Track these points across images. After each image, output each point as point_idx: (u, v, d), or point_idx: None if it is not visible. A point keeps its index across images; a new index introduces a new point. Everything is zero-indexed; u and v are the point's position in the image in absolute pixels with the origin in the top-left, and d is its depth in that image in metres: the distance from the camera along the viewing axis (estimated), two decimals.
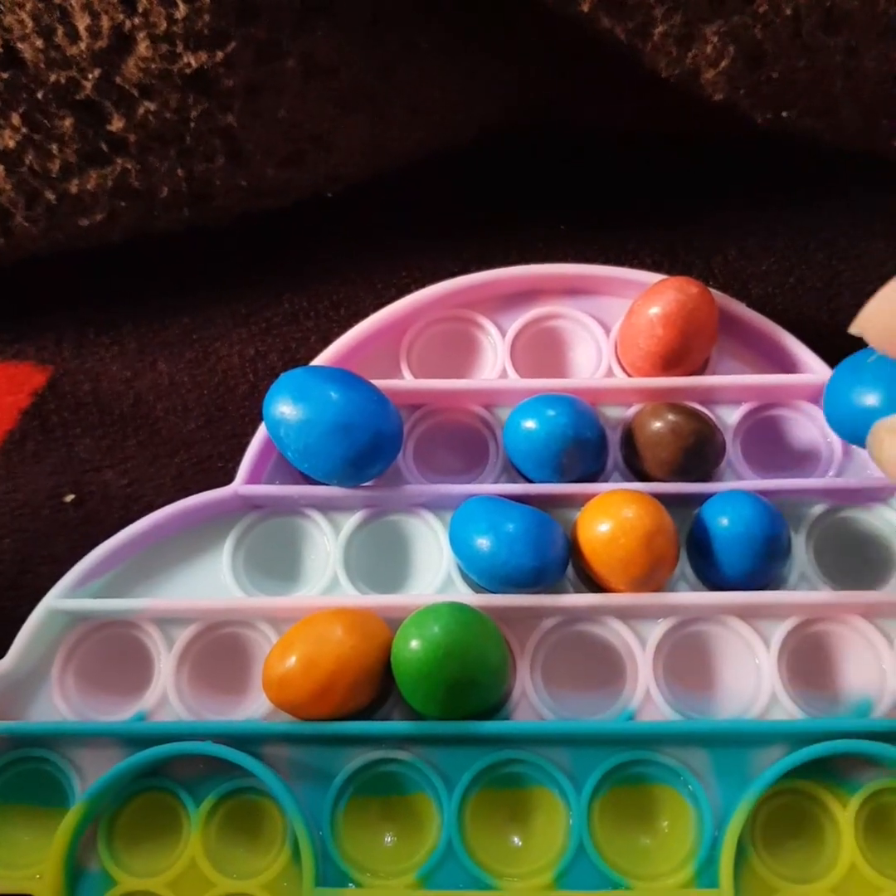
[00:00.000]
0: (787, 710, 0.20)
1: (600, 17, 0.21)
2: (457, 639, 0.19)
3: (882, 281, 0.25)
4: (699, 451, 0.21)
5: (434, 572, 0.22)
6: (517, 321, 0.23)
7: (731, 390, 0.23)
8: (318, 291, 0.25)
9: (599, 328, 0.23)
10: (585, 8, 0.21)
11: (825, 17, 0.23)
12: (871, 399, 0.19)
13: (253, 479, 0.22)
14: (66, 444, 0.24)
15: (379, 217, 0.26)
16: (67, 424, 0.24)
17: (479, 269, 0.24)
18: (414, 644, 0.19)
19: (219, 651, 0.21)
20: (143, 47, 0.21)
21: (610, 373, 0.23)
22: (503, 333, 0.23)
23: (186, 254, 0.25)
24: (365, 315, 0.23)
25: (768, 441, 0.23)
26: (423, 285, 0.24)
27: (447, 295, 0.23)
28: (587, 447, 0.21)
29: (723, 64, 0.23)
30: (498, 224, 0.26)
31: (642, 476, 0.22)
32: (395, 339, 0.23)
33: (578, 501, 0.21)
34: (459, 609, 0.19)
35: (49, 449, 0.24)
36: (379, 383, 0.22)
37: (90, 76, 0.22)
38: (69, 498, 0.23)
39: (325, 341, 0.23)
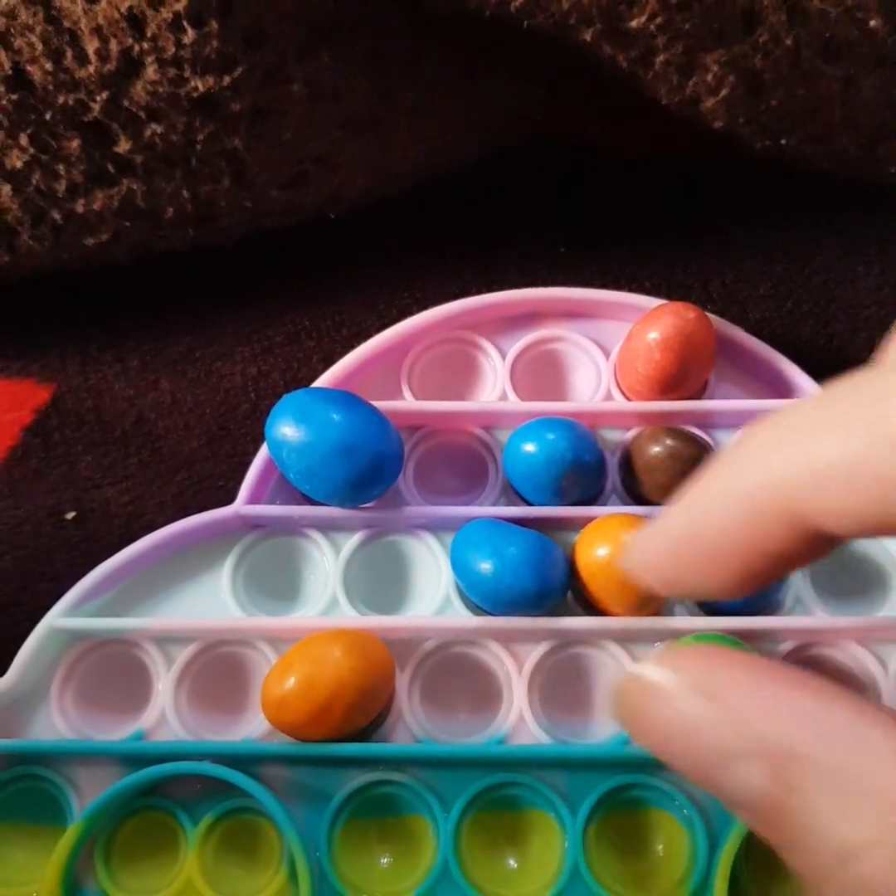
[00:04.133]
0: None
1: (602, 46, 0.21)
2: None
3: (878, 306, 0.26)
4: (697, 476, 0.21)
5: (433, 593, 0.22)
6: (517, 344, 0.24)
7: (728, 415, 0.23)
8: (321, 312, 0.25)
9: (599, 351, 0.24)
10: (588, 37, 0.21)
11: (824, 47, 0.23)
12: None
13: (254, 498, 0.22)
14: (68, 461, 0.24)
15: (381, 239, 0.26)
16: (69, 442, 0.24)
17: (479, 291, 0.24)
18: None
19: (218, 671, 0.22)
20: (151, 71, 0.22)
21: (609, 396, 0.23)
22: (503, 356, 0.24)
23: (190, 273, 0.25)
24: (367, 336, 0.23)
25: None
26: (424, 307, 0.24)
27: (448, 317, 0.24)
28: (586, 470, 0.22)
29: (723, 92, 0.23)
30: (499, 246, 0.26)
31: (640, 500, 0.22)
32: (396, 361, 0.24)
33: (577, 524, 0.22)
34: None
35: (51, 466, 0.24)
36: (380, 405, 0.22)
37: (98, 98, 0.22)
38: (70, 515, 0.24)
39: (328, 361, 0.24)
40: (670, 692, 0.10)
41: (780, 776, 0.09)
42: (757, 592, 0.21)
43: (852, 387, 0.11)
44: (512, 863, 0.20)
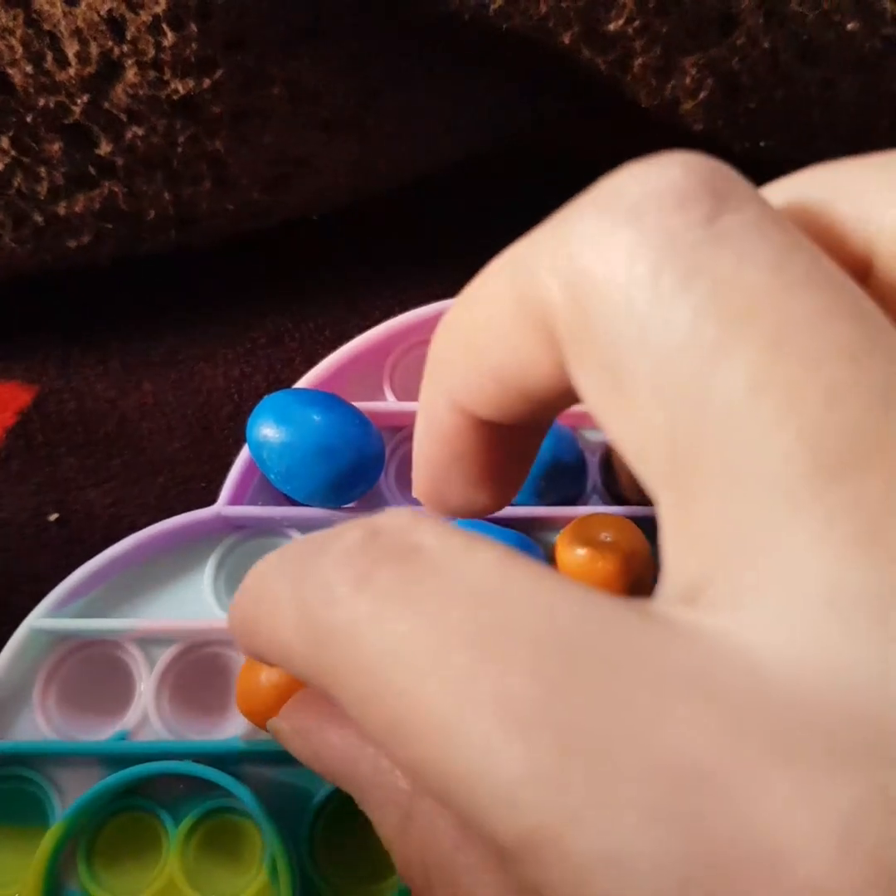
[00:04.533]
0: None
1: (581, 49, 0.22)
2: None
3: None
4: None
5: None
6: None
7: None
8: (303, 313, 0.25)
9: None
10: (566, 40, 0.21)
11: (802, 50, 0.23)
12: None
13: (236, 499, 0.22)
14: (51, 463, 0.24)
15: (364, 240, 0.26)
16: (52, 443, 0.24)
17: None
18: None
19: (200, 671, 0.22)
20: (131, 74, 0.22)
21: None
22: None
23: (173, 275, 0.25)
24: (349, 337, 0.24)
25: None
26: (407, 308, 0.24)
27: (430, 318, 0.24)
28: (565, 471, 0.22)
29: (701, 95, 0.23)
30: (483, 247, 0.26)
31: (621, 500, 0.22)
32: (378, 362, 0.24)
33: (557, 524, 0.22)
34: None
35: (33, 468, 0.24)
36: (362, 405, 0.22)
37: (79, 101, 0.22)
38: (53, 517, 0.24)
39: (310, 363, 0.24)
40: (290, 739, 0.15)
41: (355, 797, 0.14)
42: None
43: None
44: None
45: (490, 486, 0.14)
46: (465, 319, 0.12)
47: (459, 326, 0.12)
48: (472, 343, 0.11)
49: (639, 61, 0.22)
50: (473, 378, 0.12)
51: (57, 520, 0.24)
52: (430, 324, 0.24)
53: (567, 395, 0.11)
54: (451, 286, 0.26)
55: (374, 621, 0.09)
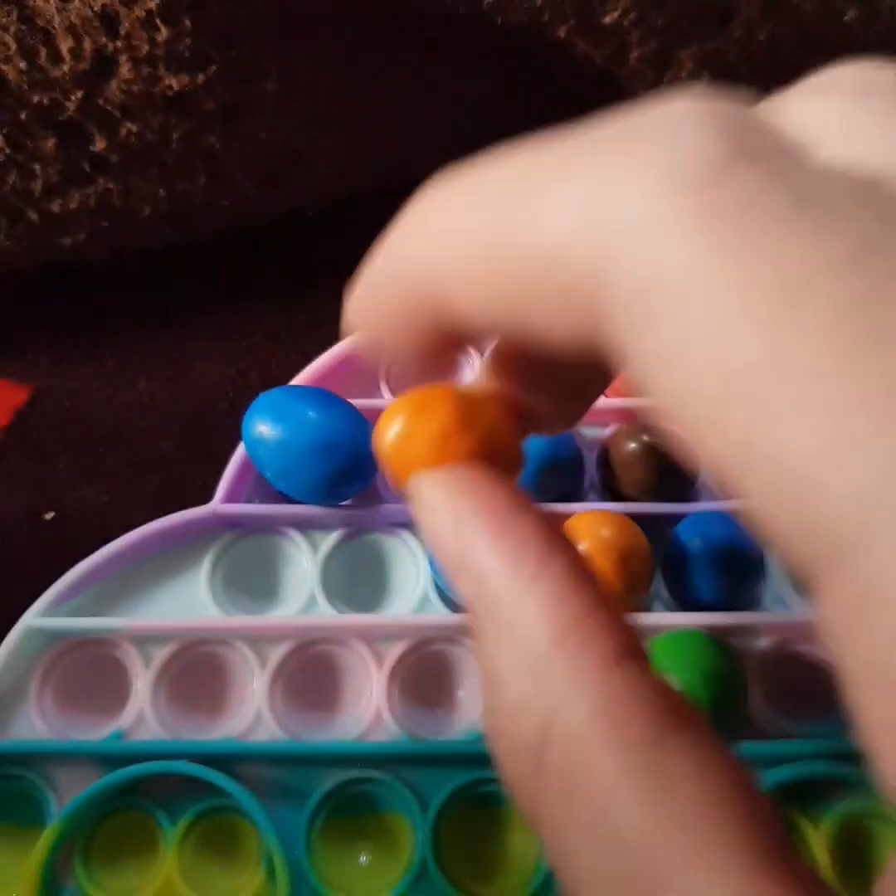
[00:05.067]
0: (761, 730, 0.20)
1: (576, 42, 0.21)
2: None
3: None
4: (674, 472, 0.21)
5: (411, 591, 0.22)
6: (496, 342, 0.24)
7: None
8: (299, 310, 0.25)
9: None
10: (562, 33, 0.21)
11: (800, 41, 0.23)
12: None
13: (231, 497, 0.22)
14: (46, 461, 0.24)
15: (360, 235, 0.26)
16: (47, 442, 0.24)
17: None
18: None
19: (196, 670, 0.21)
20: (125, 70, 0.22)
21: None
22: (481, 353, 0.24)
23: (168, 272, 0.25)
24: (344, 334, 0.23)
25: None
26: None
27: None
28: (564, 467, 0.22)
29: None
30: None
31: (618, 496, 0.22)
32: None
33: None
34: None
35: (29, 466, 0.24)
36: (358, 402, 0.22)
37: (73, 98, 0.22)
38: (49, 515, 0.24)
39: (305, 360, 0.24)
40: (435, 506, 0.11)
41: (471, 601, 0.10)
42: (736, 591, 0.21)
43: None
44: (491, 859, 0.20)
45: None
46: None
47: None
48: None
49: (635, 54, 0.22)
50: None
51: (53, 518, 0.24)
52: None
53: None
54: None
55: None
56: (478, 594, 0.10)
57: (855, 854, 0.20)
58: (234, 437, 0.24)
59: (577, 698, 0.09)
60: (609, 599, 0.10)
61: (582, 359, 0.09)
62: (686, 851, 0.08)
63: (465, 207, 0.09)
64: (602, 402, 0.23)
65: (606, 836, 0.09)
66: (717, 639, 0.20)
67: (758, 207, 0.08)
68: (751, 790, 0.09)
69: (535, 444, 0.21)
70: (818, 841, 0.20)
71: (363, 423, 0.21)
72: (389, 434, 0.12)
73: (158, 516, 0.22)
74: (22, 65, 0.22)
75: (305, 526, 0.22)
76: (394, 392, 0.23)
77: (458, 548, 0.10)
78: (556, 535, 0.11)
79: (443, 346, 0.11)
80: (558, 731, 0.09)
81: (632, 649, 0.09)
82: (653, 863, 0.08)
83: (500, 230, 0.09)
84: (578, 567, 0.10)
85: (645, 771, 0.08)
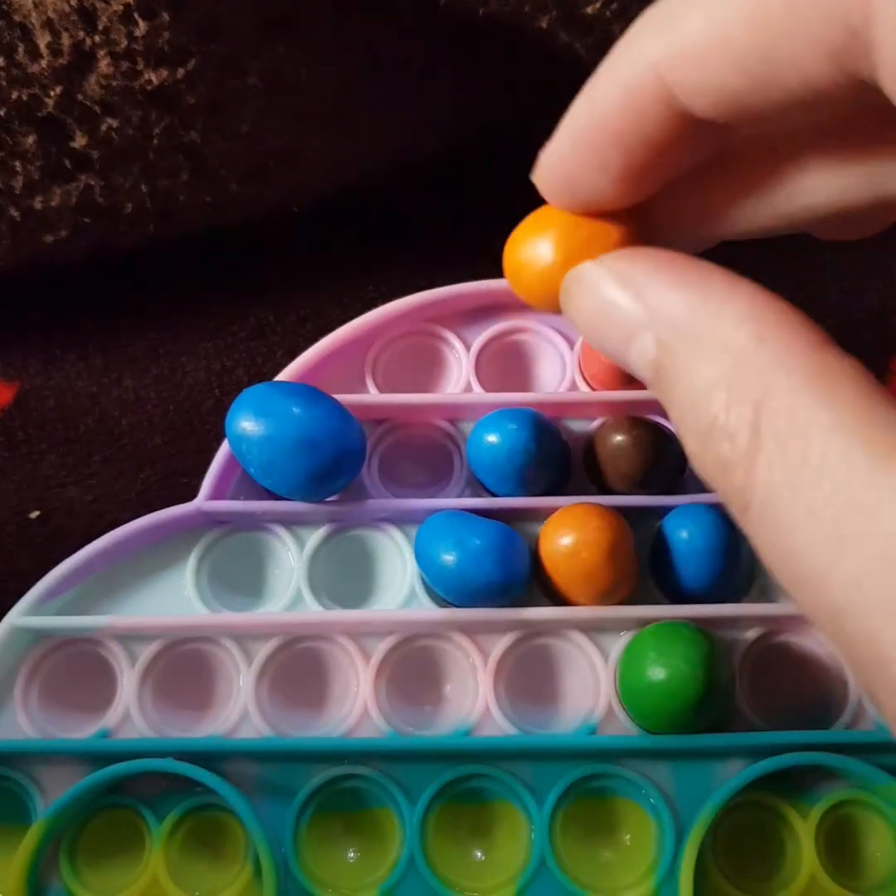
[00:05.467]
0: (748, 721, 0.20)
1: (559, 33, 0.21)
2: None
3: (844, 294, 0.25)
4: (660, 464, 0.21)
5: (398, 586, 0.22)
6: (482, 335, 0.24)
7: None
8: (285, 306, 0.25)
9: (563, 342, 0.23)
10: (544, 24, 0.21)
11: None
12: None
13: (217, 494, 0.22)
14: (32, 460, 0.24)
15: (345, 232, 0.26)
16: (33, 440, 0.24)
17: (445, 283, 0.24)
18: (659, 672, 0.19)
19: (182, 667, 0.21)
20: (103, 64, 0.22)
21: (573, 386, 0.23)
22: (468, 347, 0.24)
23: (152, 269, 0.25)
24: (331, 329, 0.23)
25: None
26: (389, 300, 0.24)
27: (412, 309, 0.23)
28: (549, 460, 0.21)
29: None
30: (464, 238, 0.26)
31: (604, 489, 0.22)
32: (360, 354, 0.23)
33: (541, 515, 0.21)
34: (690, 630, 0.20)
35: (14, 465, 0.24)
36: (343, 398, 0.22)
37: (52, 93, 0.22)
38: (34, 514, 0.23)
39: (292, 356, 0.23)
40: (596, 281, 0.12)
41: (663, 342, 0.11)
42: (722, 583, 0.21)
43: None
44: (479, 855, 0.20)
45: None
46: None
47: None
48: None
49: None
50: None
51: (38, 517, 0.23)
52: (413, 315, 0.24)
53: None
54: (432, 277, 0.26)
55: None
56: (669, 335, 0.11)
57: (842, 843, 0.20)
58: (220, 434, 0.24)
59: (789, 374, 0.10)
60: (800, 313, 0.11)
61: (831, 95, 0.09)
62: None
63: (682, 15, 0.10)
64: (589, 395, 0.23)
65: (823, 487, 0.09)
66: (704, 630, 0.20)
67: None
68: None
69: (519, 437, 0.21)
70: (806, 830, 0.20)
71: (348, 419, 0.21)
72: (540, 251, 0.13)
73: (144, 513, 0.22)
74: (0, 61, 0.22)
75: (291, 522, 0.22)
76: (380, 388, 0.23)
77: (638, 308, 0.11)
78: (733, 274, 0.11)
79: (659, 143, 0.11)
80: (771, 405, 0.10)
81: (831, 342, 0.10)
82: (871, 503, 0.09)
83: None
84: (763, 291, 0.11)
85: (855, 423, 0.09)
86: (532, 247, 0.14)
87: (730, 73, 0.10)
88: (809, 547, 0.09)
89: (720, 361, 0.10)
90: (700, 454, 0.11)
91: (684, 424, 0.11)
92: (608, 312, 0.12)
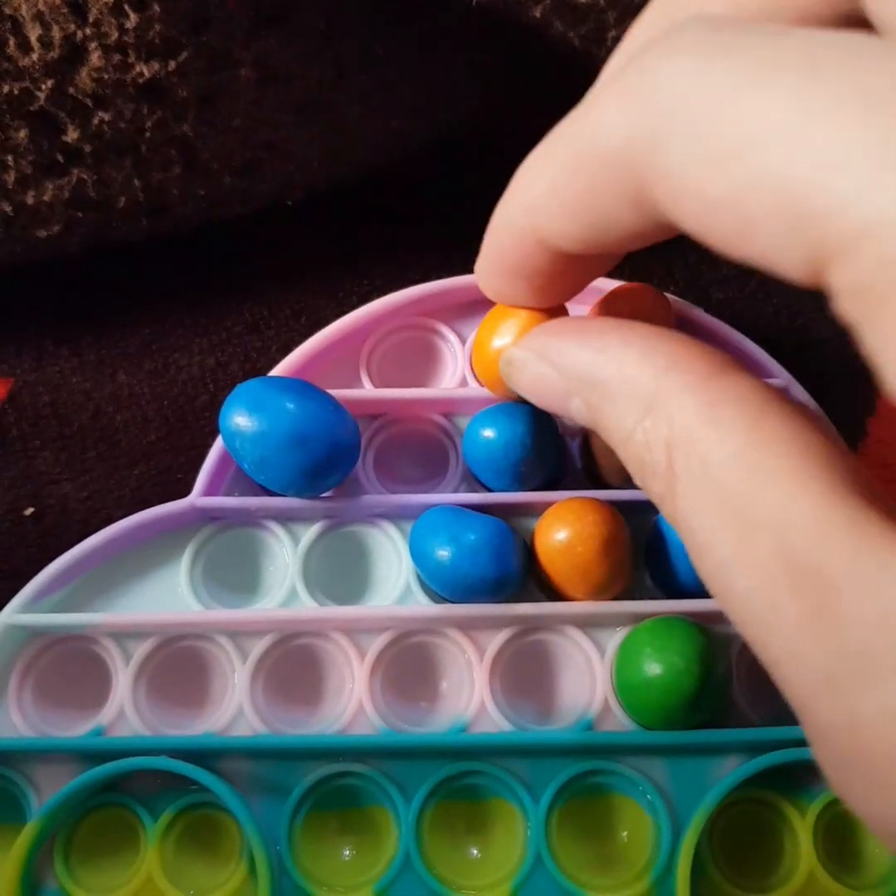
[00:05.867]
0: (745, 717, 0.20)
1: (553, 22, 0.21)
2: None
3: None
4: None
5: (393, 582, 0.22)
6: (477, 329, 0.23)
7: None
8: (279, 301, 0.25)
9: None
10: (537, 14, 0.21)
11: None
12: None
13: (211, 490, 0.22)
14: (26, 456, 0.24)
15: (339, 225, 0.25)
16: (26, 437, 0.24)
17: (440, 277, 0.24)
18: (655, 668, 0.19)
19: (177, 665, 0.21)
20: (94, 57, 0.21)
21: None
22: (463, 342, 0.23)
23: (146, 264, 0.25)
24: (326, 324, 0.23)
25: None
26: (384, 294, 0.23)
27: (407, 303, 0.23)
28: (545, 455, 0.21)
29: None
30: (459, 232, 0.26)
31: (600, 484, 0.22)
32: (355, 348, 0.23)
33: (537, 510, 0.21)
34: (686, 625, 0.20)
35: (8, 462, 0.24)
36: (337, 393, 0.22)
37: (43, 87, 0.22)
38: (28, 511, 0.23)
39: (286, 351, 0.23)
40: (523, 360, 0.14)
41: (588, 403, 0.13)
42: None
43: (580, 109, 0.12)
44: (474, 852, 0.20)
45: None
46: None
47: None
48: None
49: (612, 34, 0.21)
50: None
51: (32, 514, 0.23)
52: (407, 310, 0.23)
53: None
54: (427, 271, 0.25)
55: (719, 62, 0.09)
56: (589, 396, 0.13)
57: (841, 840, 0.20)
58: (214, 430, 0.23)
59: (683, 410, 0.11)
60: (693, 344, 0.12)
61: (645, 231, 0.11)
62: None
63: (540, 155, 0.13)
64: None
65: (717, 491, 0.10)
66: (700, 625, 0.20)
67: (743, 44, 0.10)
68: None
69: (514, 432, 0.21)
70: (804, 827, 0.20)
71: (342, 414, 0.21)
72: (492, 346, 0.17)
73: (139, 510, 0.22)
74: None
75: (285, 518, 0.22)
76: (375, 383, 0.23)
77: (558, 377, 0.13)
78: (618, 321, 0.13)
79: (548, 271, 0.13)
80: (677, 441, 0.11)
81: (725, 366, 0.12)
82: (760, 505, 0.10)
83: (566, 151, 0.12)
84: (654, 331, 0.12)
85: (744, 447, 0.10)
86: (483, 345, 0.17)
87: (569, 221, 0.12)
88: (720, 557, 0.11)
89: (633, 408, 0.12)
90: (643, 488, 0.12)
91: (626, 466, 0.12)
92: (540, 383, 0.14)
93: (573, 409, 0.13)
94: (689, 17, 0.12)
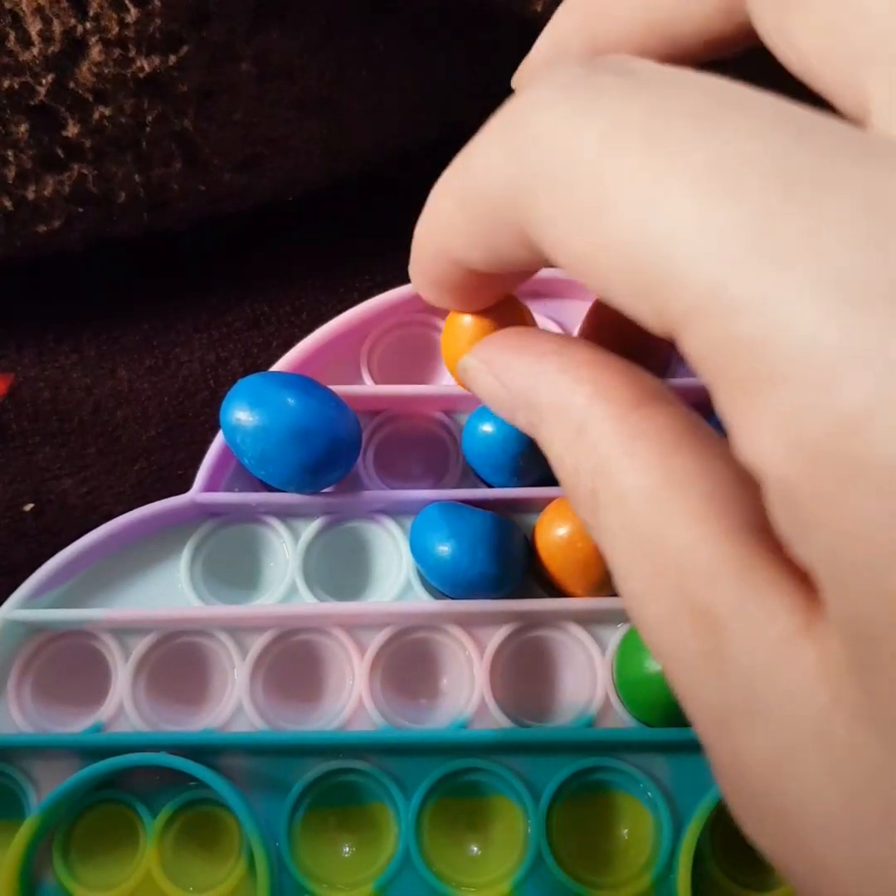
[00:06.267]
0: None
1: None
2: None
3: None
4: None
5: (393, 578, 0.22)
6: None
7: (689, 391, 0.22)
8: (280, 296, 0.25)
9: (560, 331, 0.23)
10: (539, 8, 0.21)
11: None
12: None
13: (211, 486, 0.22)
14: (26, 452, 0.24)
15: (340, 221, 0.25)
16: (27, 433, 0.24)
17: None
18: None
19: (176, 661, 0.21)
20: (95, 52, 0.21)
21: None
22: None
23: (146, 260, 0.25)
24: (326, 320, 0.23)
25: None
26: (384, 290, 0.23)
27: (408, 299, 0.23)
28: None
29: None
30: None
31: None
32: (356, 344, 0.23)
33: (537, 505, 0.21)
34: None
35: (8, 458, 0.24)
36: (338, 389, 0.21)
37: (44, 81, 0.22)
38: (28, 507, 0.23)
39: (287, 346, 0.23)
40: (475, 369, 0.14)
41: (528, 421, 0.13)
42: None
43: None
44: (474, 849, 0.20)
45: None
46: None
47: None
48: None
49: None
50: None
51: (32, 510, 0.23)
52: (408, 306, 0.23)
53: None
54: None
55: (581, 120, 0.10)
56: (529, 414, 0.13)
57: None
58: (214, 426, 0.23)
59: (605, 440, 0.11)
60: (625, 370, 0.12)
61: (544, 262, 0.12)
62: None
63: (442, 184, 0.13)
64: None
65: (633, 524, 0.11)
66: None
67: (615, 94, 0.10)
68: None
69: (513, 427, 0.21)
70: None
71: (343, 410, 0.21)
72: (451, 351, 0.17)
73: (139, 506, 0.22)
74: None
75: (286, 514, 0.22)
76: (376, 379, 0.23)
77: (504, 391, 0.13)
78: (561, 341, 0.13)
79: (465, 285, 0.14)
80: (600, 472, 0.11)
81: (651, 395, 0.12)
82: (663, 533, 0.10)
83: (458, 185, 0.12)
84: (592, 350, 0.13)
85: (661, 485, 0.11)
86: (447, 345, 0.17)
87: (471, 249, 0.12)
88: (633, 589, 0.11)
89: (564, 433, 0.12)
90: (574, 510, 0.13)
91: (561, 486, 0.12)
92: (490, 394, 0.14)
93: (519, 422, 0.14)
94: (581, 49, 0.12)
